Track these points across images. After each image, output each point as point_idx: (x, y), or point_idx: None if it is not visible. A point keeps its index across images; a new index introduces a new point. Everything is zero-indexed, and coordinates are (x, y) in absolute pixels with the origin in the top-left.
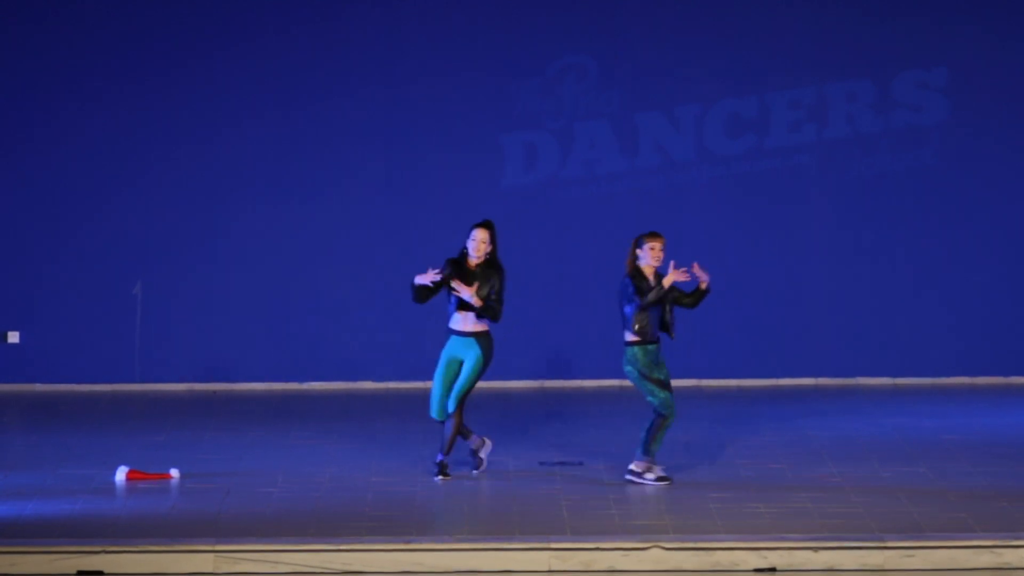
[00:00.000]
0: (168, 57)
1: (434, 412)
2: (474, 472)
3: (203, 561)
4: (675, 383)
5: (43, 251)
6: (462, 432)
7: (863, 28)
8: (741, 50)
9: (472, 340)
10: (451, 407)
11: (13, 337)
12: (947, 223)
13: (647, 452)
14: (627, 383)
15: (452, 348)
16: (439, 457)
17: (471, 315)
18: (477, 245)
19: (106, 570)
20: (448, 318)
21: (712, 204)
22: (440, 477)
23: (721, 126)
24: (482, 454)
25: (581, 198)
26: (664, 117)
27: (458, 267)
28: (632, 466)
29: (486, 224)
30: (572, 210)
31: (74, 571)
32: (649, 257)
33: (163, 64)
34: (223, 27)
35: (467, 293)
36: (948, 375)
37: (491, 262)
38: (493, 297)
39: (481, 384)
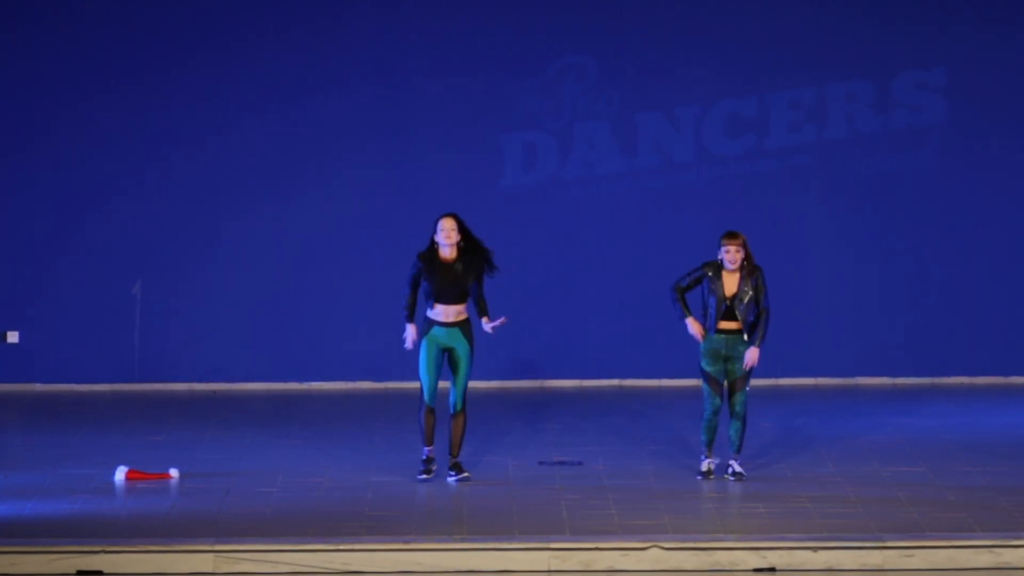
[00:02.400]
0: (168, 57)
1: (430, 400)
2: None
3: (203, 561)
4: (674, 383)
5: (43, 251)
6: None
7: (863, 28)
8: (741, 50)
9: (457, 330)
10: (458, 405)
11: (13, 337)
12: (947, 223)
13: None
14: (627, 383)
15: (436, 336)
16: (450, 460)
17: (456, 307)
18: (448, 234)
19: (106, 570)
20: (425, 308)
21: (712, 204)
22: (460, 476)
23: (721, 126)
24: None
25: (581, 198)
26: (664, 117)
27: (431, 262)
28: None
29: (451, 214)
30: (572, 210)
31: (74, 571)
32: (725, 257)
33: (162, 64)
34: (223, 27)
35: (489, 326)
36: (948, 375)
37: (468, 248)
38: (482, 292)
39: (480, 384)
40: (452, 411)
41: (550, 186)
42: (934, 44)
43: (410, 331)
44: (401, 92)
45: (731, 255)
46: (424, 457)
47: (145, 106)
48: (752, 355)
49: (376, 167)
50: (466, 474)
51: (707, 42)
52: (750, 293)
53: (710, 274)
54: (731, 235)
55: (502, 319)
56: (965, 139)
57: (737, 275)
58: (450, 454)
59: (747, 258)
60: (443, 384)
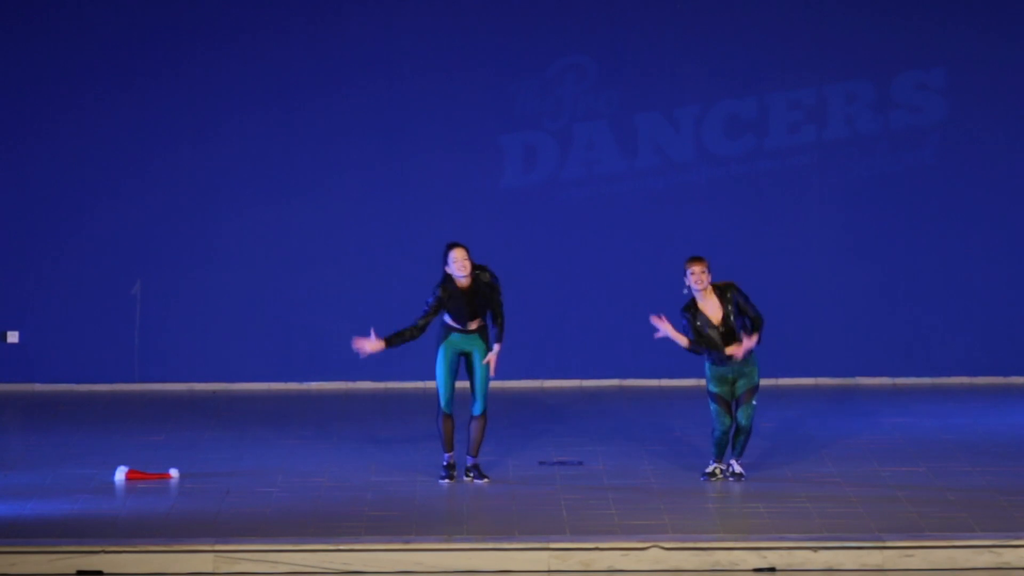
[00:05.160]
0: (166, 57)
1: (447, 407)
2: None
3: (203, 561)
4: (674, 383)
5: (43, 251)
6: (447, 443)
7: (863, 28)
8: (741, 50)
9: (476, 336)
10: (480, 409)
11: (13, 337)
12: (946, 223)
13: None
14: (627, 383)
15: (455, 343)
16: (469, 461)
17: (475, 320)
18: (462, 265)
19: (106, 570)
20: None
21: (711, 205)
22: (481, 480)
23: (720, 127)
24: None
25: (580, 199)
26: (663, 118)
27: (452, 293)
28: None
29: (458, 243)
30: (571, 211)
31: (74, 571)
32: (692, 281)
33: (161, 64)
34: (221, 27)
35: (492, 362)
36: (948, 375)
37: (480, 277)
38: (500, 316)
39: None
40: (474, 414)
41: (550, 186)
42: (934, 44)
43: (368, 342)
44: (401, 92)
45: (696, 276)
46: (445, 463)
47: (144, 106)
48: (746, 342)
49: (376, 167)
50: (487, 479)
51: (707, 42)
52: (734, 311)
53: (690, 315)
54: (694, 258)
55: (494, 354)
56: (965, 139)
57: (713, 300)
58: (470, 454)
59: (712, 281)
60: (459, 385)
